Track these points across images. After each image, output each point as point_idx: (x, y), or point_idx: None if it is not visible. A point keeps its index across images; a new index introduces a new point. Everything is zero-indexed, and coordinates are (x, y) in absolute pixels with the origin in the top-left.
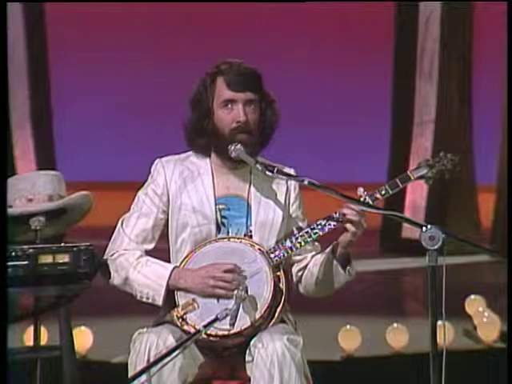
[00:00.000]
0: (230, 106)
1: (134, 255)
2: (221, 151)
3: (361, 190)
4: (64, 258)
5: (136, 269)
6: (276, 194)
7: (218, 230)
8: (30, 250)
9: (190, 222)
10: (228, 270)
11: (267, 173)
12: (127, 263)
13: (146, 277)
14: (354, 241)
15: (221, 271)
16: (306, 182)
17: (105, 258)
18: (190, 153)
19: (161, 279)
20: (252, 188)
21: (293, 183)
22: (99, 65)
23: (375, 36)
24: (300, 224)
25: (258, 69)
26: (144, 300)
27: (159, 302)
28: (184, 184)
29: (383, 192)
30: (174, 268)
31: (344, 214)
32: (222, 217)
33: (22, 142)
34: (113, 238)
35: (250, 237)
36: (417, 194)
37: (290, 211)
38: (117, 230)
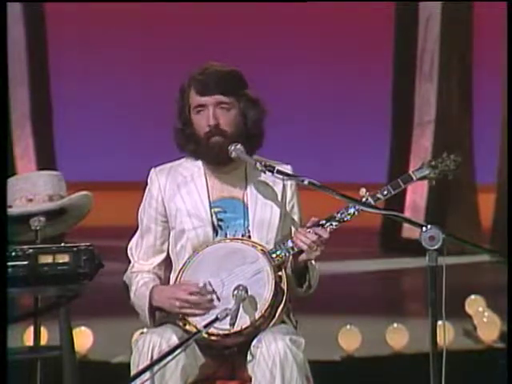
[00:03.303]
0: (201, 111)
1: (133, 278)
2: (202, 156)
3: (363, 190)
4: (64, 258)
5: (134, 292)
6: (272, 193)
7: (215, 233)
8: (30, 250)
9: (186, 227)
10: (193, 292)
11: (267, 173)
12: (130, 287)
13: (138, 299)
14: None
15: (186, 293)
16: (306, 182)
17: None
18: (184, 159)
19: (144, 302)
20: (248, 188)
21: (289, 181)
22: (99, 64)
23: (375, 36)
24: (295, 218)
25: (235, 69)
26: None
27: (148, 323)
28: (178, 190)
29: (385, 192)
30: (152, 288)
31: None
32: (219, 220)
33: (22, 141)
34: None
35: (249, 237)
36: (417, 194)
37: (288, 208)
38: (128, 254)
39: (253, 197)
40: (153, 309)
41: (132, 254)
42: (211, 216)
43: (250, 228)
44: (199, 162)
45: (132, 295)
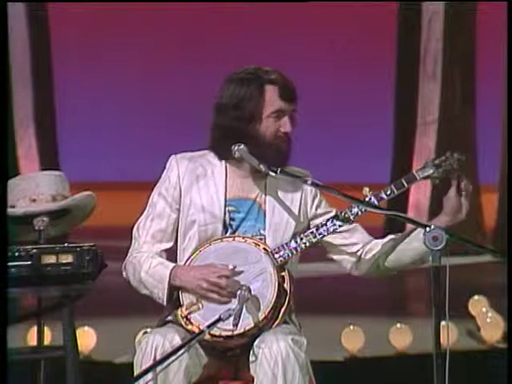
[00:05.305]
0: (279, 115)
1: (144, 257)
2: (257, 157)
3: (366, 189)
4: (67, 259)
5: (146, 271)
6: (291, 199)
7: (225, 230)
8: (34, 251)
9: (197, 220)
10: (223, 276)
11: (270, 173)
12: (139, 266)
13: (153, 278)
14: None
15: (216, 276)
16: (309, 183)
17: (125, 262)
18: (207, 151)
19: (163, 280)
20: (267, 192)
21: (309, 187)
22: (102, 65)
23: (378, 36)
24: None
25: None
26: (158, 301)
27: (164, 302)
28: (196, 181)
29: (388, 192)
30: (173, 268)
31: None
32: (231, 219)
33: (25, 141)
34: (131, 244)
35: (260, 239)
36: (420, 194)
37: (312, 212)
38: (133, 236)
39: (271, 200)
40: (172, 288)
41: (139, 234)
42: (224, 214)
43: (266, 231)
44: (223, 159)
45: (143, 274)
